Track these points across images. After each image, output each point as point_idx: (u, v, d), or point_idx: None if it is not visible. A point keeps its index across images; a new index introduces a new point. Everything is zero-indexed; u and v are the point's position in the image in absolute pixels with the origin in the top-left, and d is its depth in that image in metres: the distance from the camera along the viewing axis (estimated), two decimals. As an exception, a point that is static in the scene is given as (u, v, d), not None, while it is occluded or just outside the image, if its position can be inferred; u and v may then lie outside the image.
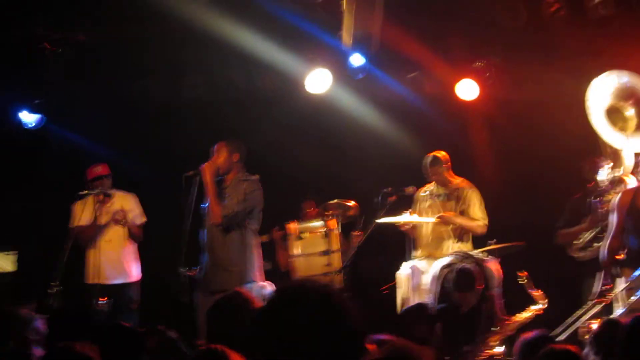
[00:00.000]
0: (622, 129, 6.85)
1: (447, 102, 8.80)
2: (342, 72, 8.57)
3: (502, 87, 8.47)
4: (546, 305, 6.41)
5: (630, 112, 6.92)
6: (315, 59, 8.61)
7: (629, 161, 7.15)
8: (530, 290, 6.49)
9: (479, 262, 6.67)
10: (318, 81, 8.65)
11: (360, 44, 7.84)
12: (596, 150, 7.43)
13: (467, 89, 8.55)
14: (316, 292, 2.25)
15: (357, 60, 8.26)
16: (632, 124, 6.89)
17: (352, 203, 8.32)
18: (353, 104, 8.97)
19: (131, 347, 4.04)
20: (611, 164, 7.27)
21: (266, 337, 2.22)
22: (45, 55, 8.24)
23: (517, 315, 6.36)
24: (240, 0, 7.70)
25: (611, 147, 7.11)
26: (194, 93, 9.05)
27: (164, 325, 4.38)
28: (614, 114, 6.92)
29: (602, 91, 6.87)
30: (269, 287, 6.92)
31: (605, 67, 7.01)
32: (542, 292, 6.45)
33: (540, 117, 8.44)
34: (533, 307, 6.39)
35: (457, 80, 8.56)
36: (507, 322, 6.27)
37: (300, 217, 8.78)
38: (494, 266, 6.83)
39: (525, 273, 6.39)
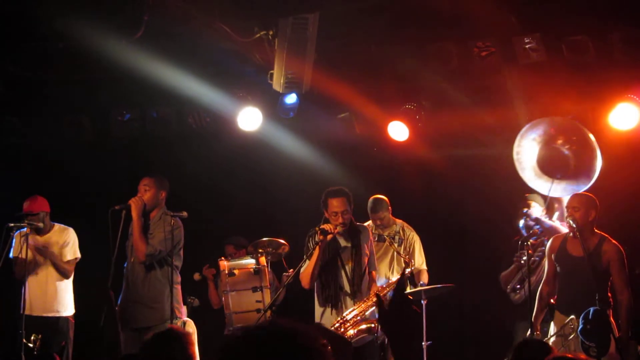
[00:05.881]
0: (564, 168, 6.99)
1: (379, 142, 8.84)
2: (273, 110, 8.54)
3: (433, 129, 8.52)
4: (413, 267, 6.95)
5: (565, 151, 7.07)
6: (246, 98, 8.57)
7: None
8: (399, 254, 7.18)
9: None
10: (249, 119, 8.60)
11: (291, 86, 7.83)
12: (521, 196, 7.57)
13: (398, 130, 8.60)
14: (284, 334, 2.13)
15: (291, 99, 8.25)
16: (572, 163, 7.05)
17: (283, 241, 8.22)
18: (285, 142, 8.95)
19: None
20: (525, 210, 7.39)
21: None
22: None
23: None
24: (171, 39, 7.63)
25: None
26: (124, 130, 8.96)
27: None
28: (552, 157, 7.05)
29: (527, 148, 7.04)
30: (190, 323, 6.86)
31: (536, 111, 7.16)
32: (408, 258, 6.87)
33: (471, 160, 8.54)
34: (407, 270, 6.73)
35: (388, 122, 8.60)
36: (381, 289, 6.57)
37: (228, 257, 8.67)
38: None
39: None
